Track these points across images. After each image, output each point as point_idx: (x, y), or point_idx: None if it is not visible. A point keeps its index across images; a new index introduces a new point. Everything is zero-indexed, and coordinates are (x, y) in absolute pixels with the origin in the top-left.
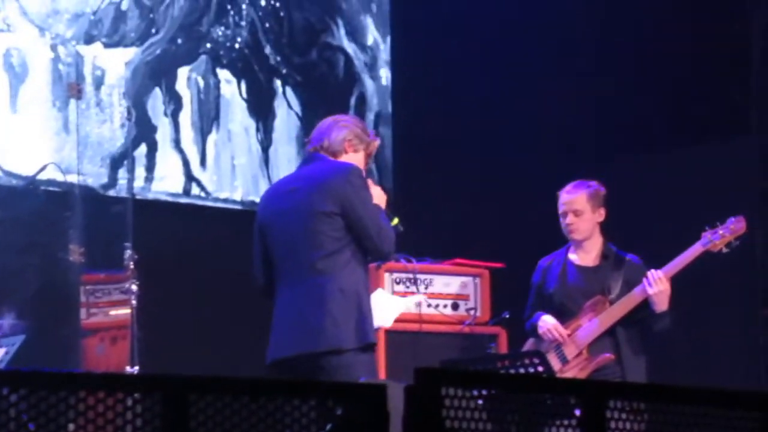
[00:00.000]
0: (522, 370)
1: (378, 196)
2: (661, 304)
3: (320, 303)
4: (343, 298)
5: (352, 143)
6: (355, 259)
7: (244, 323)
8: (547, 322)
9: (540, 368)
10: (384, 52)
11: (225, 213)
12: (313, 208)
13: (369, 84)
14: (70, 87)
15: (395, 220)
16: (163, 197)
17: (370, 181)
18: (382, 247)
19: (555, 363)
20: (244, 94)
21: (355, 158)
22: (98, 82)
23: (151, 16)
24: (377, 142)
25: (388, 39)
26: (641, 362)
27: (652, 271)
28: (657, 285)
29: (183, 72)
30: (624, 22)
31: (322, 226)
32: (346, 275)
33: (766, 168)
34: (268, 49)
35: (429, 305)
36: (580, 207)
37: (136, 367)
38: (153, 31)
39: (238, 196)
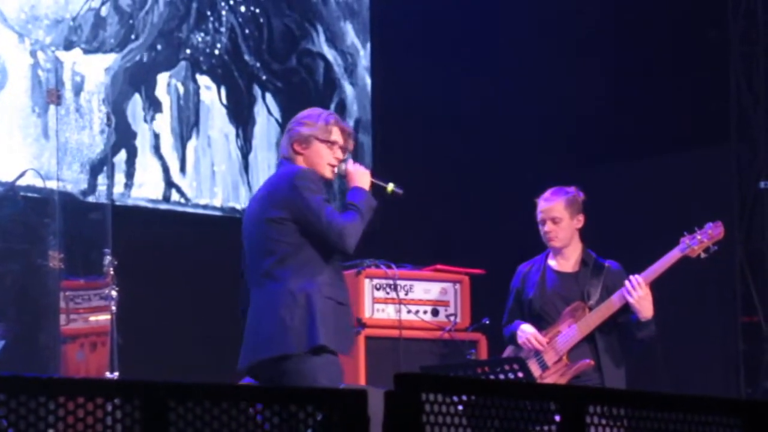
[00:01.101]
0: (502, 376)
1: (361, 174)
2: (645, 312)
3: (272, 309)
4: (293, 302)
5: (299, 142)
6: (313, 262)
7: (224, 329)
8: (525, 331)
9: (520, 374)
10: (364, 59)
11: (205, 219)
12: (264, 215)
13: (349, 90)
14: (50, 93)
15: (390, 186)
16: (143, 203)
17: (350, 162)
18: (334, 241)
19: (535, 369)
20: (224, 101)
21: (312, 153)
22: (78, 88)
23: (131, 22)
24: (331, 122)
25: (368, 45)
26: (621, 369)
27: (633, 276)
28: (637, 290)
29: (163, 78)
30: (604, 31)
31: (272, 233)
32: (299, 279)
33: (744, 175)
34: (247, 56)
35: (409, 311)
36: (558, 214)
37: (116, 373)
38: (132, 37)
39: (218, 203)
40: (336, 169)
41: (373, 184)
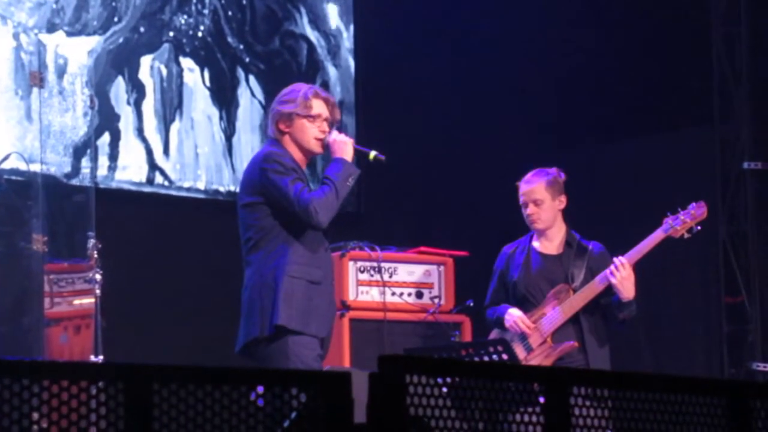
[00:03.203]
0: (486, 358)
1: (341, 145)
2: (627, 293)
3: (247, 294)
4: (263, 285)
5: (282, 121)
6: (285, 244)
7: (208, 311)
8: (513, 314)
9: (504, 356)
10: (347, 40)
11: (188, 202)
12: (240, 202)
13: (332, 72)
14: (33, 75)
15: (372, 154)
16: (127, 186)
17: (333, 133)
18: (304, 218)
19: (520, 352)
20: (207, 83)
21: (296, 131)
22: (61, 71)
23: (114, 4)
24: (311, 96)
25: (351, 27)
26: (605, 350)
27: (616, 258)
28: (620, 271)
29: (146, 60)
30: (587, 11)
31: (247, 219)
32: (269, 261)
33: (727, 155)
34: (230, 38)
35: (393, 294)
36: (539, 196)
37: (100, 357)
38: (115, 19)
39: (201, 185)
40: (323, 142)
41: (356, 152)
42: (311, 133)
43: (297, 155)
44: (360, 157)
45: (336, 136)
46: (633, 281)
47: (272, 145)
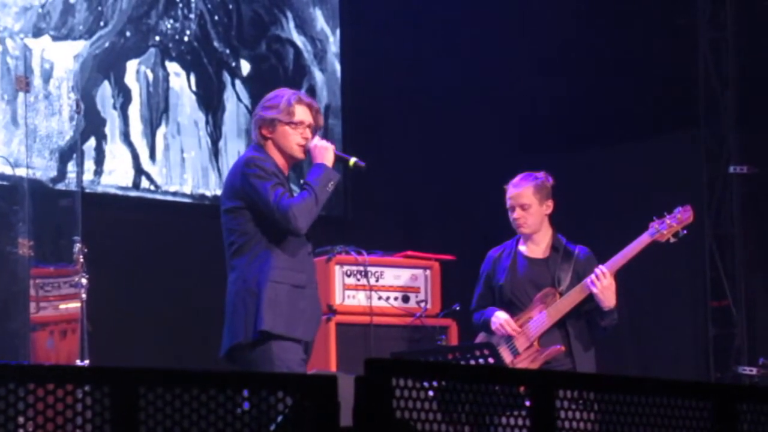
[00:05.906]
0: (473, 362)
1: (322, 151)
2: (608, 301)
3: (230, 300)
4: (246, 290)
5: (264, 126)
6: (267, 249)
7: (194, 316)
8: (499, 317)
9: (491, 360)
10: (334, 45)
11: (174, 206)
12: (223, 207)
13: (318, 76)
14: (18, 80)
15: (352, 160)
16: (113, 190)
17: (315, 139)
18: (283, 223)
19: (506, 355)
20: (194, 87)
21: (278, 137)
22: (47, 75)
23: (100, 8)
24: (294, 102)
25: (338, 31)
26: (591, 353)
27: (597, 267)
28: (601, 280)
29: (132, 65)
30: (574, 17)
31: (229, 224)
32: (252, 267)
33: (713, 160)
34: (217, 42)
35: (380, 298)
36: (526, 201)
37: (87, 361)
38: (101, 23)
39: (187, 190)
40: (305, 148)
41: (336, 158)
42: (293, 139)
43: (279, 160)
44: (341, 163)
45: (317, 142)
46: (614, 290)
47: (255, 150)
